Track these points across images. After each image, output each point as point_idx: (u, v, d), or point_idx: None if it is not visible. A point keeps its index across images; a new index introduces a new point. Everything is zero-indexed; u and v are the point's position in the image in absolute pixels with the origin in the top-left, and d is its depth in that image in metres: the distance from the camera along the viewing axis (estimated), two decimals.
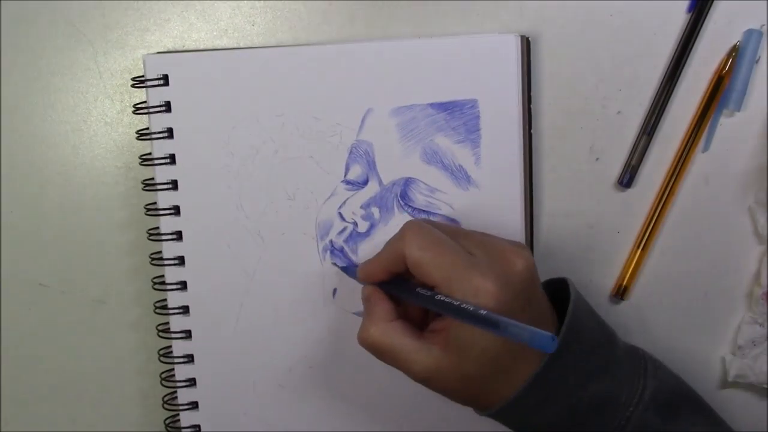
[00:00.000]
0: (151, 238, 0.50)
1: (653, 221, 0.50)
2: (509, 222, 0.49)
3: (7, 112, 0.51)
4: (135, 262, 0.52)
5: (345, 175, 0.49)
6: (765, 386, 0.51)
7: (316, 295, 0.50)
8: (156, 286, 0.50)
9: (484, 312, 0.38)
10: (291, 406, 0.51)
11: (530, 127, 0.49)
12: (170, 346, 0.51)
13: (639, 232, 0.51)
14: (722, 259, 0.51)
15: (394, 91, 0.48)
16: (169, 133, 0.49)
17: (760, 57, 0.49)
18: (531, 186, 0.50)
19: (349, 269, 0.49)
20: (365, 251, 0.49)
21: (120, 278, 0.52)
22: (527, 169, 0.49)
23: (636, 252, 0.50)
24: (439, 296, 0.40)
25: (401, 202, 0.49)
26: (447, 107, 0.48)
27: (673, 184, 0.50)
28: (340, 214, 0.49)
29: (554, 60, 0.50)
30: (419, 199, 0.49)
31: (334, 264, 0.50)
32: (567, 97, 0.50)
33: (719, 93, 0.49)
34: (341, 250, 0.50)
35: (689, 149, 0.50)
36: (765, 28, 0.49)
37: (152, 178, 0.49)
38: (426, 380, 0.42)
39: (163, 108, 0.48)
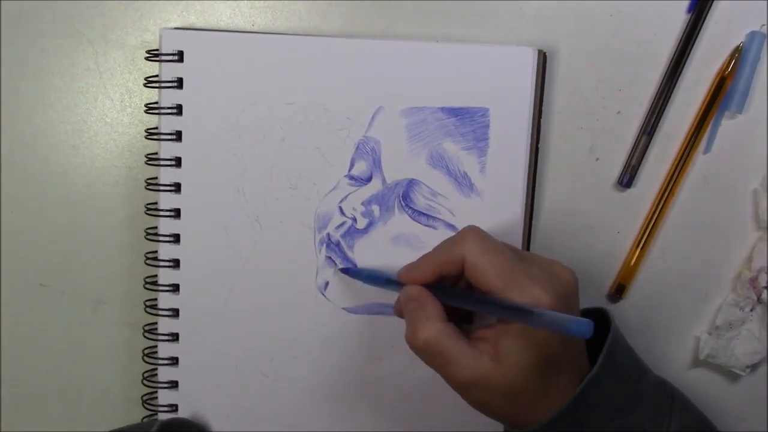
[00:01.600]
0: (148, 212, 0.50)
1: (653, 221, 0.50)
2: (508, 234, 0.49)
3: (7, 112, 0.51)
4: (135, 263, 0.52)
5: (349, 170, 0.49)
6: (733, 369, 0.51)
7: (307, 287, 0.50)
8: (148, 262, 0.50)
9: (521, 303, 0.39)
10: (271, 395, 0.51)
11: (538, 141, 0.49)
12: (155, 323, 0.51)
13: (638, 231, 0.51)
14: (721, 260, 0.51)
15: (407, 91, 0.48)
16: (178, 109, 0.49)
17: (760, 59, 0.49)
18: (533, 200, 0.50)
19: (354, 272, 0.49)
20: (361, 248, 0.49)
21: (120, 278, 0.52)
22: (531, 182, 0.49)
23: (635, 251, 0.50)
24: (474, 298, 0.41)
25: (402, 202, 0.49)
26: (458, 113, 0.48)
27: (674, 185, 0.50)
28: (341, 209, 0.49)
29: (554, 60, 0.50)
30: (421, 201, 0.49)
31: (341, 270, 0.49)
32: (567, 97, 0.50)
33: (721, 94, 0.49)
34: (337, 244, 0.49)
35: (690, 150, 0.50)
36: (765, 28, 0.49)
37: (156, 153, 0.49)
38: (470, 388, 0.41)
39: (175, 84, 0.48)
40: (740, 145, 0.50)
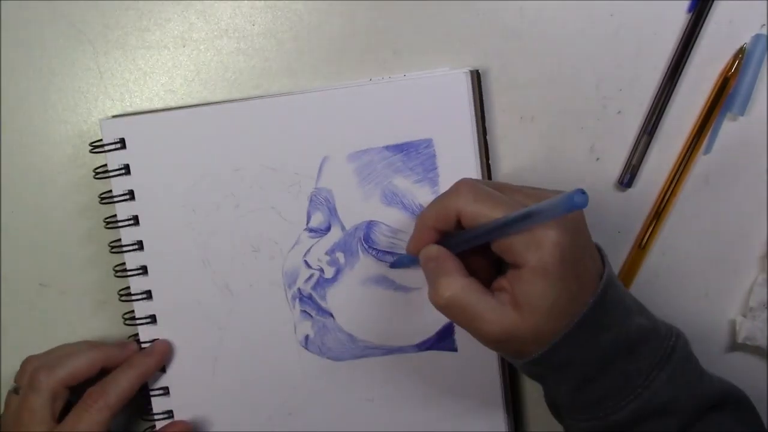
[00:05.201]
0: (121, 299, 0.50)
1: (654, 221, 0.50)
2: None
3: (7, 112, 0.51)
4: None
5: (307, 223, 0.49)
6: None
7: (289, 343, 0.50)
8: (127, 323, 0.51)
9: (518, 212, 0.39)
10: None
11: (488, 158, 0.49)
12: (150, 404, 0.51)
13: (639, 231, 0.51)
14: (722, 260, 0.51)
15: (349, 136, 0.48)
16: (131, 195, 0.49)
17: (763, 61, 0.49)
18: None
19: (400, 261, 0.49)
20: (334, 296, 0.50)
21: (120, 279, 0.51)
22: None
23: (636, 251, 0.50)
24: (489, 224, 0.40)
25: (365, 245, 0.49)
26: (402, 148, 0.48)
27: (675, 185, 0.50)
28: (306, 262, 0.50)
29: (554, 60, 0.50)
30: (382, 240, 0.49)
31: (391, 265, 0.49)
32: (567, 97, 0.50)
33: (724, 95, 0.49)
34: (310, 297, 0.50)
35: (692, 152, 0.50)
36: (765, 28, 0.49)
37: (119, 239, 0.50)
38: (501, 341, 0.41)
39: (123, 171, 0.49)
40: (741, 147, 0.50)
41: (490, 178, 0.50)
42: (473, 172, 0.48)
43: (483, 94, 0.49)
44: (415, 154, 0.48)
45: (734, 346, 0.52)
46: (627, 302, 0.42)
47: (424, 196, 0.49)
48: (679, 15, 0.49)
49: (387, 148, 0.48)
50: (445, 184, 0.48)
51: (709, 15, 0.49)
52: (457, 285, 0.41)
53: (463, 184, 0.43)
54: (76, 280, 0.52)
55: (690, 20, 0.49)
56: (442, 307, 0.42)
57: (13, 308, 0.53)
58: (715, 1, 0.48)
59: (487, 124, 0.50)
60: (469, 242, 0.42)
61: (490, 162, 0.50)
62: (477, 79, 0.49)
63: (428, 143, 0.48)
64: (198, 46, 0.51)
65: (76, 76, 0.51)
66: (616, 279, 0.43)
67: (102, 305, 0.53)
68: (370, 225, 0.49)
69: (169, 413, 0.51)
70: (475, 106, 0.48)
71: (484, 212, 0.41)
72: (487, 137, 0.49)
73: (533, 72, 0.50)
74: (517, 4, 0.49)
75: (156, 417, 0.51)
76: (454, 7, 0.49)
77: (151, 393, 0.51)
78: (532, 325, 0.40)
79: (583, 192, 0.36)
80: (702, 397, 0.42)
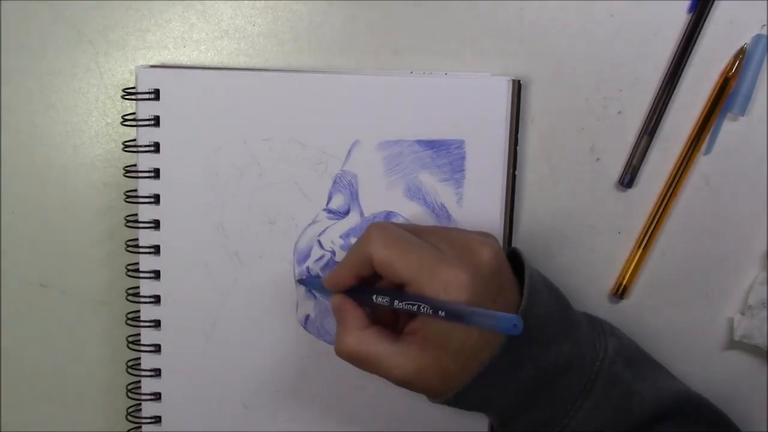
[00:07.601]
0: (128, 249, 0.50)
1: (654, 221, 0.50)
2: None
3: (7, 112, 0.51)
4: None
5: (327, 204, 0.49)
6: None
7: (288, 321, 0.50)
8: (129, 298, 0.50)
9: (449, 305, 0.38)
10: (254, 427, 0.51)
11: (515, 169, 0.49)
12: (139, 358, 0.51)
13: (640, 232, 0.51)
14: (722, 260, 0.51)
15: (382, 124, 0.48)
16: (156, 147, 0.49)
17: (763, 62, 0.49)
18: (511, 229, 0.50)
19: (309, 281, 0.49)
20: None
21: (121, 279, 0.51)
22: (508, 212, 0.49)
23: (637, 252, 0.50)
24: (401, 299, 0.40)
25: None
26: (434, 145, 0.48)
27: (675, 185, 0.50)
28: (319, 242, 0.50)
29: (555, 59, 0.50)
30: None
31: (298, 281, 0.50)
32: (568, 98, 0.50)
33: (725, 95, 0.49)
34: (317, 277, 0.50)
35: (692, 152, 0.50)
36: (765, 28, 0.49)
37: (135, 190, 0.49)
38: (408, 384, 0.42)
39: (152, 122, 0.49)
40: (741, 147, 0.50)
41: (514, 188, 0.49)
42: (499, 180, 0.49)
43: (521, 104, 0.49)
44: (445, 152, 0.48)
45: (731, 344, 0.52)
46: (548, 330, 0.42)
47: (448, 196, 0.49)
48: (679, 15, 0.49)
49: (418, 142, 0.48)
50: (469, 188, 0.49)
51: (709, 15, 0.49)
52: (353, 340, 0.42)
53: (374, 229, 0.42)
54: (76, 280, 0.52)
55: (690, 20, 0.49)
56: (344, 358, 0.43)
57: (13, 308, 0.53)
58: (715, 2, 0.48)
59: (519, 135, 0.49)
60: (383, 306, 0.42)
61: (516, 172, 0.49)
62: (517, 89, 0.49)
63: (460, 144, 0.48)
64: (198, 47, 0.51)
65: (76, 76, 0.51)
66: (537, 307, 0.42)
67: (102, 306, 0.53)
68: (389, 215, 0.49)
69: (157, 371, 0.51)
70: (511, 115, 0.48)
71: (393, 259, 0.41)
72: (518, 148, 0.49)
73: (533, 72, 0.50)
74: (517, 4, 0.49)
75: (144, 374, 0.50)
76: (455, 7, 0.49)
77: (143, 349, 0.50)
78: (438, 368, 0.41)
79: (519, 321, 0.35)
80: (635, 416, 0.42)
